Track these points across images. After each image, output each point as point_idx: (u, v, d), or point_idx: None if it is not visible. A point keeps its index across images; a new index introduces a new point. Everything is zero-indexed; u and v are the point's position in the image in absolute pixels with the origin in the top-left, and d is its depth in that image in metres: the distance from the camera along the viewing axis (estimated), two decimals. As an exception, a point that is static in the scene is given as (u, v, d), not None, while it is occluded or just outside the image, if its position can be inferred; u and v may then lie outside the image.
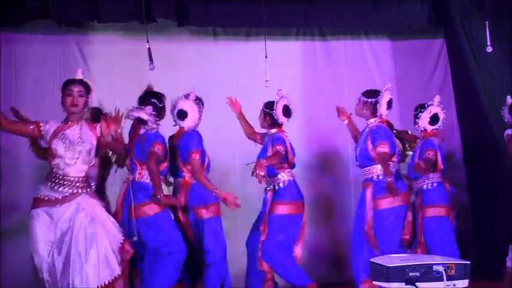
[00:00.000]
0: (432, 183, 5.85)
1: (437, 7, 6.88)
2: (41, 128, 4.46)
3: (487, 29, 5.79)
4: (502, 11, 6.41)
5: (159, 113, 5.29)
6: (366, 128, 5.78)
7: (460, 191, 7.04)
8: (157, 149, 5.09)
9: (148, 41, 5.51)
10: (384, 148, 5.57)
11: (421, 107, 5.95)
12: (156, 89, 6.40)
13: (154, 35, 6.71)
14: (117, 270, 4.37)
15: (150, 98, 5.30)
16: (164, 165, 5.23)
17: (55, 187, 4.38)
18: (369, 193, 5.61)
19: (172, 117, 5.46)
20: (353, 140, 6.06)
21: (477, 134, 6.70)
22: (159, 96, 5.37)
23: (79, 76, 4.56)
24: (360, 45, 7.40)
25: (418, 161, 5.79)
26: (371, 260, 4.22)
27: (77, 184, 4.42)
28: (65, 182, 4.40)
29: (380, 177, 5.59)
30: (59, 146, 4.40)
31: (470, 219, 6.92)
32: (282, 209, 5.64)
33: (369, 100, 5.73)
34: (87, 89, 4.54)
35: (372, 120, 5.74)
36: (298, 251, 5.73)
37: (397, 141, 5.96)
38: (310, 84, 7.14)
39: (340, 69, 7.31)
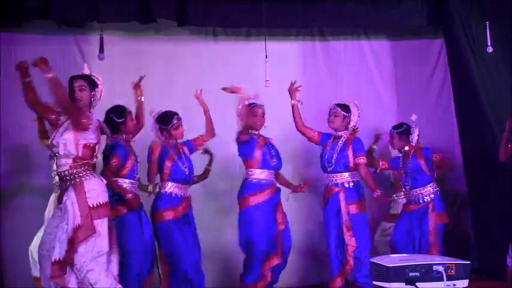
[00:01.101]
0: (437, 191, 6.08)
1: (437, 7, 6.87)
2: (60, 121, 4.51)
3: (488, 29, 5.79)
4: (502, 11, 6.41)
5: (115, 127, 5.37)
6: (341, 137, 6.00)
7: (460, 191, 7.08)
8: (113, 162, 5.31)
9: (102, 30, 5.76)
10: (362, 159, 5.94)
11: (408, 126, 6.14)
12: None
13: (154, 35, 6.75)
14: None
15: (109, 113, 5.43)
16: (126, 171, 5.37)
17: (56, 184, 4.52)
18: (342, 198, 5.88)
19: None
20: (297, 129, 6.09)
21: (476, 134, 6.69)
22: (120, 111, 5.45)
23: (85, 71, 4.65)
24: (360, 45, 7.40)
25: (445, 159, 6.14)
26: (371, 260, 4.23)
27: (65, 179, 4.45)
28: (60, 179, 4.51)
29: (350, 184, 5.92)
30: (53, 137, 4.48)
31: (470, 219, 6.91)
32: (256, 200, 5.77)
33: (347, 114, 6.00)
34: (91, 83, 4.56)
35: (344, 131, 6.01)
36: None
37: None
38: (310, 84, 7.13)
39: (340, 69, 7.31)
